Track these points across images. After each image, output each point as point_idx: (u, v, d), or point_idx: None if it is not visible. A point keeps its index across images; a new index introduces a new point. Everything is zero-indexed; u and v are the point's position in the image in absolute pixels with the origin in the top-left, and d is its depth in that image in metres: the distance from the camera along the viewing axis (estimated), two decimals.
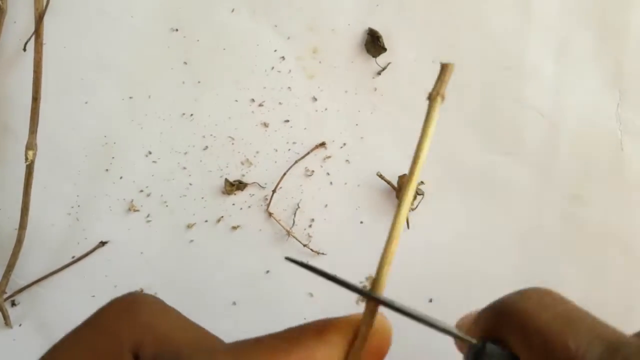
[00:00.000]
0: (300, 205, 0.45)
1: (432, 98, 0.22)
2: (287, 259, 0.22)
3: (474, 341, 0.20)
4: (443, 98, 0.22)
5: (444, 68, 0.22)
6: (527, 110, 0.45)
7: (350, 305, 0.47)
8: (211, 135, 0.45)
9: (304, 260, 0.45)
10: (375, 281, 0.21)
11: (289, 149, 0.45)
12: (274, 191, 0.45)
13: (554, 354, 0.18)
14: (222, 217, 0.45)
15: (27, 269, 0.45)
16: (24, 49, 0.42)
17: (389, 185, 0.45)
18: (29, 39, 0.40)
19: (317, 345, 0.20)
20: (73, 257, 0.45)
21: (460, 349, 0.23)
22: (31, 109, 0.41)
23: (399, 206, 0.21)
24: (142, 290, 0.45)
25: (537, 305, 0.19)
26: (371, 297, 0.20)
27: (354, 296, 0.47)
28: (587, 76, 0.45)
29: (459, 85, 0.45)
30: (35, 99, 0.40)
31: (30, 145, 0.41)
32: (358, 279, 0.46)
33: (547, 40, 0.45)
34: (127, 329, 0.21)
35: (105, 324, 0.22)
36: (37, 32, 0.39)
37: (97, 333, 0.21)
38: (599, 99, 0.45)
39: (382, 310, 0.21)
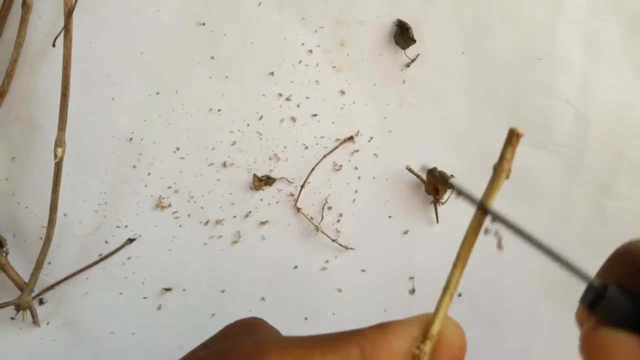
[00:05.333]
0: (328, 200, 0.45)
1: (497, 171, 0.20)
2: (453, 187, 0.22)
3: (595, 283, 0.20)
4: (509, 173, 0.20)
5: (512, 135, 0.20)
6: (558, 102, 0.44)
7: (382, 301, 0.46)
8: (239, 130, 0.45)
9: (332, 255, 0.45)
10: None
11: (317, 144, 0.45)
12: (302, 186, 0.45)
13: None
14: (250, 212, 0.45)
15: (54, 267, 0.45)
16: (54, 45, 0.41)
17: (417, 179, 0.45)
18: (58, 34, 0.40)
19: (380, 337, 0.20)
20: (101, 254, 0.45)
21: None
22: (60, 106, 0.40)
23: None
24: (171, 289, 0.45)
25: None
26: (485, 209, 0.20)
27: (384, 293, 0.47)
28: (617, 67, 0.45)
29: (488, 76, 0.45)
30: (65, 95, 0.40)
31: (59, 143, 0.40)
32: (388, 274, 0.46)
33: (577, 32, 0.44)
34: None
35: (224, 338, 0.25)
36: (67, 28, 0.38)
37: (219, 343, 0.24)
38: (629, 89, 0.45)
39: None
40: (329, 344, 0.20)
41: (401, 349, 0.20)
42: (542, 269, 0.45)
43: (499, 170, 0.20)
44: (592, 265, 0.44)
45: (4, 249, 0.43)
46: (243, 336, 0.24)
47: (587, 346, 0.19)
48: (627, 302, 0.20)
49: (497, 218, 0.20)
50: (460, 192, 0.21)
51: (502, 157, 0.20)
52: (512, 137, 0.20)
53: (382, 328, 0.20)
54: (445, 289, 0.21)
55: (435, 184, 0.44)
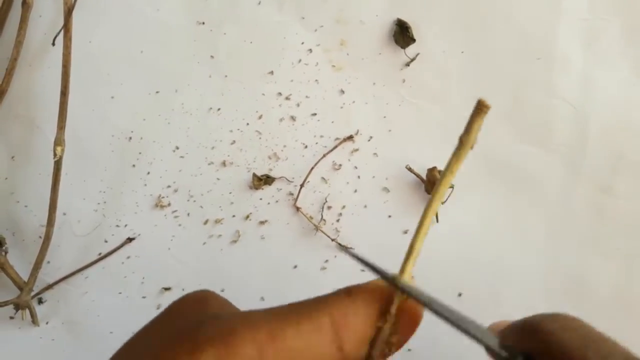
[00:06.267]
0: (328, 199, 0.45)
1: (462, 141, 0.20)
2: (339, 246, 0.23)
3: (503, 354, 0.21)
4: (474, 144, 0.20)
5: (481, 106, 0.20)
6: (557, 101, 0.44)
7: None
8: (238, 129, 0.45)
9: (332, 254, 0.45)
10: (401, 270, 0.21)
11: (316, 143, 0.45)
12: (301, 185, 0.45)
13: None
14: (250, 212, 0.45)
15: (54, 266, 0.45)
16: (53, 44, 0.41)
17: (417, 178, 0.45)
18: (58, 33, 0.40)
19: (348, 304, 0.21)
20: (100, 253, 0.45)
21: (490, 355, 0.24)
22: (60, 104, 0.40)
23: (429, 202, 0.22)
24: (170, 288, 0.45)
25: (562, 325, 0.21)
26: (398, 286, 0.21)
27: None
28: (617, 66, 0.45)
29: (489, 76, 0.44)
30: (64, 93, 0.40)
31: (59, 141, 0.40)
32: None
33: (576, 31, 0.44)
34: (198, 317, 0.22)
35: (178, 314, 0.23)
36: (66, 27, 0.38)
37: (172, 321, 0.22)
38: (629, 89, 0.45)
39: None
40: (300, 315, 0.20)
41: (369, 314, 0.20)
42: (542, 270, 0.45)
43: (465, 141, 0.20)
44: (594, 265, 0.44)
45: (3, 247, 0.43)
46: (200, 313, 0.23)
47: None
48: None
49: (405, 292, 0.21)
50: (372, 268, 0.21)
51: (469, 128, 0.20)
52: (481, 108, 0.20)
53: (349, 294, 0.21)
54: (409, 252, 0.22)
55: (435, 183, 0.43)
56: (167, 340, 0.21)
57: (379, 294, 0.21)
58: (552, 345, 0.20)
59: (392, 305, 0.21)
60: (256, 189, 0.45)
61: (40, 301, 0.45)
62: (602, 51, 0.45)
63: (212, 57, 0.44)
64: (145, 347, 0.22)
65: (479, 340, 0.20)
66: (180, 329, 0.21)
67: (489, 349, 0.21)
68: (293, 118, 0.45)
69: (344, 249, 0.22)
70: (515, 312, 0.46)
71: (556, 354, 0.20)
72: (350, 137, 0.45)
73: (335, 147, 0.45)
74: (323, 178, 0.45)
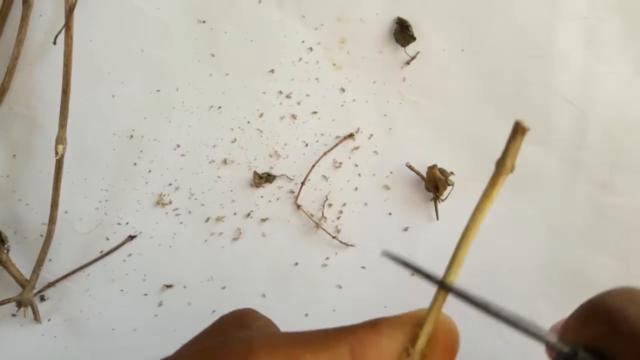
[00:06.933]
0: (328, 197, 0.45)
1: (499, 166, 0.19)
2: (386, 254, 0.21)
3: (565, 348, 0.19)
4: (513, 168, 0.19)
5: (518, 129, 0.18)
6: (557, 99, 0.45)
7: (382, 297, 0.46)
8: (239, 127, 0.45)
9: (332, 252, 0.45)
10: (448, 269, 0.20)
11: (317, 141, 0.45)
12: (302, 183, 0.45)
13: None
14: (251, 209, 0.45)
15: (55, 264, 0.45)
16: (54, 43, 0.41)
17: (418, 176, 0.45)
18: (59, 32, 0.40)
19: (370, 336, 0.19)
20: (101, 251, 0.45)
21: (550, 354, 0.23)
22: (61, 103, 0.40)
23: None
24: (172, 286, 0.45)
25: (628, 298, 0.19)
26: (445, 286, 0.19)
27: (384, 290, 0.47)
28: (617, 63, 0.45)
29: (489, 74, 0.45)
30: (65, 92, 0.40)
31: (60, 140, 0.41)
32: (388, 270, 0.46)
33: (576, 29, 0.44)
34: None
35: (219, 330, 0.25)
36: (68, 25, 0.38)
37: (211, 337, 0.24)
38: (629, 86, 0.45)
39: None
40: (319, 342, 0.19)
41: (391, 348, 0.19)
42: (542, 264, 0.45)
43: (502, 165, 0.19)
44: (594, 261, 0.44)
45: (5, 245, 0.44)
46: (235, 331, 0.24)
47: None
48: None
49: (457, 294, 0.19)
50: (418, 271, 0.20)
51: (506, 152, 0.19)
52: (518, 131, 0.18)
53: (374, 326, 0.20)
54: (452, 260, 0.20)
55: (435, 181, 0.44)
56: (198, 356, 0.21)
57: (406, 328, 0.20)
58: (618, 324, 0.18)
59: (419, 339, 0.19)
60: (257, 187, 0.45)
61: (42, 299, 0.45)
62: (602, 49, 0.45)
63: (212, 55, 0.44)
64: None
65: (540, 338, 0.19)
66: (207, 347, 0.22)
67: (550, 347, 0.20)
68: (294, 116, 0.45)
69: (390, 255, 0.21)
70: (514, 306, 0.46)
71: (623, 332, 0.18)
72: (350, 135, 0.45)
73: (336, 145, 0.45)
74: (324, 176, 0.45)
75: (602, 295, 0.20)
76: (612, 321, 0.19)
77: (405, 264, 0.20)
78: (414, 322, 0.20)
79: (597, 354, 0.19)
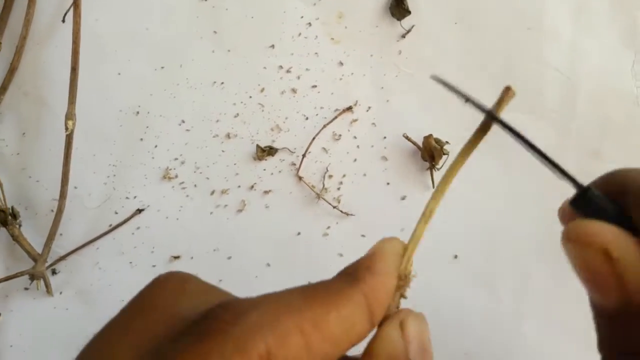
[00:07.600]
0: (328, 168, 0.47)
1: (485, 123, 0.23)
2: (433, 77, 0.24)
3: (583, 184, 0.22)
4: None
5: (506, 92, 0.22)
6: (547, 70, 0.46)
7: None
8: (241, 102, 0.46)
9: (333, 221, 0.47)
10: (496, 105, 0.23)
11: (317, 114, 0.47)
12: (303, 156, 0.46)
13: None
14: (254, 182, 0.47)
15: (66, 238, 0.46)
16: (63, 21, 0.43)
17: (414, 146, 0.46)
18: (68, 10, 0.42)
19: (375, 280, 0.21)
20: (110, 225, 0.46)
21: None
22: (70, 80, 0.42)
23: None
24: (179, 257, 0.46)
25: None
26: (493, 116, 0.23)
27: None
28: (604, 36, 0.47)
29: (481, 46, 0.46)
30: (74, 69, 0.41)
31: (70, 115, 0.42)
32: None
33: (565, 2, 0.46)
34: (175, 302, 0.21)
35: (153, 301, 0.21)
36: (76, 4, 0.40)
37: (146, 310, 0.21)
38: (615, 57, 0.47)
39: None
40: (337, 298, 0.20)
41: (392, 284, 0.22)
42: (536, 231, 0.47)
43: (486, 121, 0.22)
44: None
45: (17, 220, 0.45)
46: (194, 300, 0.21)
47: (569, 234, 0.20)
48: (607, 202, 0.21)
49: (504, 125, 0.22)
50: (467, 99, 0.23)
51: (497, 104, 0.23)
52: (505, 95, 0.23)
53: (371, 271, 0.21)
54: (423, 215, 0.24)
55: (431, 151, 0.45)
56: (173, 339, 0.18)
57: (395, 262, 0.22)
58: (628, 184, 0.21)
59: (406, 264, 0.22)
60: (260, 160, 0.46)
61: (53, 272, 0.46)
62: (590, 21, 0.46)
63: (215, 32, 0.46)
64: (129, 348, 0.19)
65: (568, 176, 0.21)
66: (192, 321, 0.19)
67: (570, 180, 0.22)
68: (294, 90, 0.46)
69: (439, 79, 0.23)
70: (509, 272, 0.48)
71: (633, 190, 0.21)
72: (349, 108, 0.47)
73: (335, 117, 0.47)
74: (324, 148, 0.47)
75: (617, 169, 0.23)
76: (624, 181, 0.22)
77: (453, 89, 0.23)
78: (397, 253, 0.23)
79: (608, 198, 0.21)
